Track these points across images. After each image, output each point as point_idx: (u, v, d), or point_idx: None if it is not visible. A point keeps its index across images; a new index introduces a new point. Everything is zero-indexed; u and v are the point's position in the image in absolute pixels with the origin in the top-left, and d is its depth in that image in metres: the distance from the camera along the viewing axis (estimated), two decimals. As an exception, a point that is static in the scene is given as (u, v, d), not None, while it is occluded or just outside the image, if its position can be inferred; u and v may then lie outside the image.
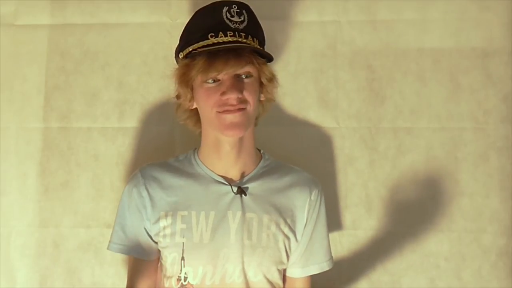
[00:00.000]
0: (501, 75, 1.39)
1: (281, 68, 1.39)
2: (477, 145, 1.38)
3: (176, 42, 1.20)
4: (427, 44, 1.40)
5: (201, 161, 1.20)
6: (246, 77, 1.12)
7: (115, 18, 1.42)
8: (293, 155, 1.36)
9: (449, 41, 1.40)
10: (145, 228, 1.18)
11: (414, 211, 1.38)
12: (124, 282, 1.22)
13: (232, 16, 1.12)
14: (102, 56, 1.41)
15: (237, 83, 1.10)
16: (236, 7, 1.13)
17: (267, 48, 1.20)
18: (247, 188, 1.17)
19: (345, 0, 1.41)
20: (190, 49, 1.13)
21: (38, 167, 1.39)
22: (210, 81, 1.11)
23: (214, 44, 1.10)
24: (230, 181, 1.17)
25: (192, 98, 1.17)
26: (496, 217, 1.37)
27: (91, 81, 1.41)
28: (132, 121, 1.40)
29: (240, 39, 1.11)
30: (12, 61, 1.41)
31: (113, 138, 1.40)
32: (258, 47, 1.14)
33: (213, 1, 1.14)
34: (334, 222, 1.37)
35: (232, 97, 1.09)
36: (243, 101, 1.11)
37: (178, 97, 1.21)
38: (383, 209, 1.38)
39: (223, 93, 1.09)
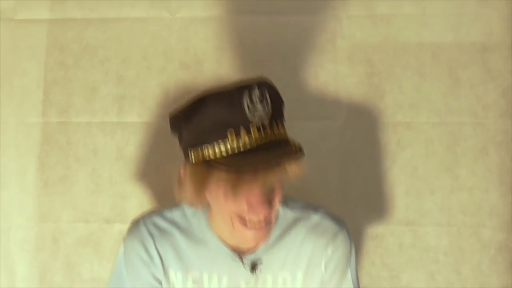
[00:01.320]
0: (500, 70, 1.39)
1: (280, 63, 1.39)
2: (477, 140, 1.38)
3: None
4: (427, 39, 1.40)
5: (212, 230, 1.08)
6: None
7: (114, 13, 1.42)
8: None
9: (448, 36, 1.40)
10: (155, 277, 1.10)
11: (413, 205, 1.38)
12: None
13: (254, 104, 0.91)
14: (102, 51, 1.41)
15: (266, 195, 0.94)
16: (258, 91, 0.91)
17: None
18: (261, 260, 1.08)
19: (344, -5, 1.41)
20: (209, 157, 0.91)
21: (37, 162, 1.39)
22: None
23: (238, 151, 0.90)
24: (242, 253, 1.08)
25: (204, 197, 0.99)
26: (495, 211, 1.37)
27: (90, 75, 1.41)
28: (131, 116, 1.40)
29: (266, 137, 0.92)
30: (11, 55, 1.41)
31: (112, 133, 1.40)
32: (294, 150, 0.93)
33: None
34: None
35: (258, 218, 0.95)
36: (269, 219, 0.97)
37: (180, 183, 1.01)
38: (382, 204, 1.38)
39: (248, 209, 0.94)
